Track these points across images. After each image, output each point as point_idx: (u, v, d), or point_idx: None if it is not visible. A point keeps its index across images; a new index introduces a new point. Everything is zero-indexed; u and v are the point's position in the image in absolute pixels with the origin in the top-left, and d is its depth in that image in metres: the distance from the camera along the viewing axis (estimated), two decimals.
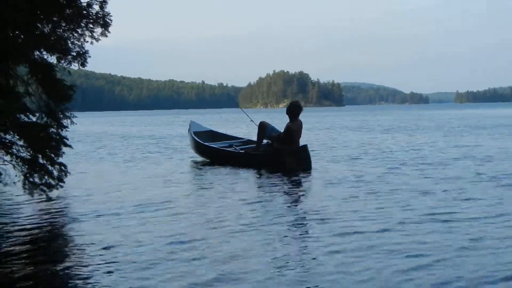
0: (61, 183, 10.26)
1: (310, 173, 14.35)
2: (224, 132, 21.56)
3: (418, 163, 15.91)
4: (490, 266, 6.11)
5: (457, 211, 9.01)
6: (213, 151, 17.71)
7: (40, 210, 9.68)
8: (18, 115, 9.85)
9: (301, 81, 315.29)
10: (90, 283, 5.69)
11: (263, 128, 16.34)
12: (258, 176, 14.32)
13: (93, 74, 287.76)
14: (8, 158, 10.18)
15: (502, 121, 47.89)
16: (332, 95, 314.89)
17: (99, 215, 9.06)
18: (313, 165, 15.32)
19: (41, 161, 10.02)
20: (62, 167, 10.26)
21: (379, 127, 41.06)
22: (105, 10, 11.48)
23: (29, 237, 7.72)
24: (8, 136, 10.12)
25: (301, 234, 7.79)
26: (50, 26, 11.19)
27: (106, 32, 11.62)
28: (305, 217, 8.90)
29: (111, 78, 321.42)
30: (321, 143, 25.32)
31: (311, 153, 16.08)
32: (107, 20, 11.48)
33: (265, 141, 16.54)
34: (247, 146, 17.91)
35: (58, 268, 6.26)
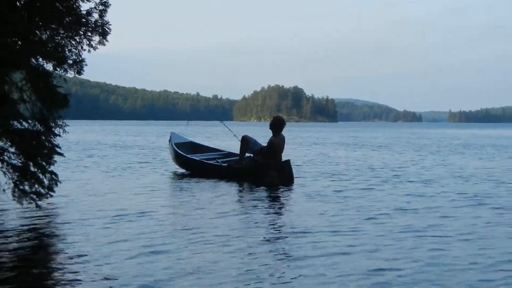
0: (51, 192, 10.13)
1: (291, 187, 14.47)
2: (204, 144, 21.71)
3: (400, 181, 16.27)
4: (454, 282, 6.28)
5: (428, 228, 9.27)
6: (195, 163, 17.70)
7: (26, 217, 9.54)
8: (11, 122, 9.74)
9: (295, 96, 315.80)
10: None
11: (246, 142, 16.43)
12: (240, 189, 14.37)
13: (88, 82, 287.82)
14: None
15: (491, 141, 48.88)
16: (326, 111, 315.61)
17: (80, 225, 9.05)
18: (295, 180, 15.46)
19: (32, 169, 9.90)
20: (53, 176, 10.15)
21: (369, 144, 41.43)
22: (104, 18, 11.41)
23: (12, 245, 7.60)
24: (0, 143, 10.01)
25: (272, 249, 7.76)
26: (48, 33, 11.12)
27: (104, 40, 11.55)
28: (280, 231, 9.04)
29: (106, 87, 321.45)
30: (308, 159, 25.56)
31: (295, 168, 16.47)
32: (106, 28, 11.40)
33: (247, 155, 16.59)
34: (228, 159, 17.95)
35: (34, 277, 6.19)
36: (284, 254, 7.45)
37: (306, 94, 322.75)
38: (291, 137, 56.25)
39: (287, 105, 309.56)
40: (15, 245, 7.64)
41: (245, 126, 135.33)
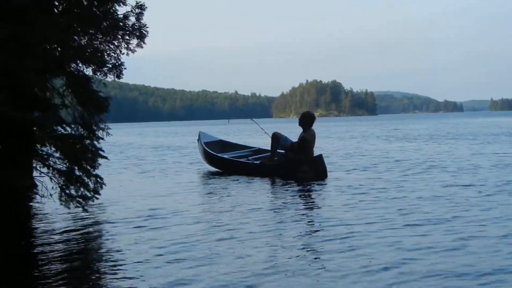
0: (96, 195, 10.23)
1: (325, 181, 14.40)
2: (233, 142, 21.72)
3: (438, 171, 16.05)
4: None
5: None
6: (227, 162, 17.71)
7: (74, 220, 9.64)
8: (54, 127, 9.89)
9: (334, 90, 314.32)
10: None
11: (277, 139, 16.42)
12: (273, 185, 14.36)
13: (127, 85, 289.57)
14: (45, 170, 10.24)
15: None
16: (365, 104, 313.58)
17: (124, 227, 8.98)
18: (329, 174, 15.40)
19: (77, 173, 10.03)
20: (98, 179, 10.25)
21: (407, 136, 40.67)
22: (141, 21, 11.50)
23: (62, 247, 7.70)
24: (44, 148, 10.16)
25: (304, 244, 7.73)
26: (86, 39, 11.24)
27: (142, 43, 11.64)
28: (311, 225, 9.04)
29: (145, 89, 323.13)
30: (345, 152, 25.32)
31: (330, 162, 16.51)
32: (143, 31, 11.50)
33: (278, 151, 16.62)
34: (259, 156, 17.99)
35: (90, 278, 6.28)
36: (312, 247, 7.46)
37: (345, 88, 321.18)
38: (330, 131, 56.04)
39: (326, 100, 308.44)
40: (63, 247, 7.73)
41: (285, 123, 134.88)
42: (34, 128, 9.74)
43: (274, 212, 10.31)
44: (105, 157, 10.51)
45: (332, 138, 40.94)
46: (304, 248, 7.44)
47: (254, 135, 48.30)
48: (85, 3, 11.01)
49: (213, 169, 18.34)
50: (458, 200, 10.78)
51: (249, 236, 8.12)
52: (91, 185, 10.14)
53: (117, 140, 42.51)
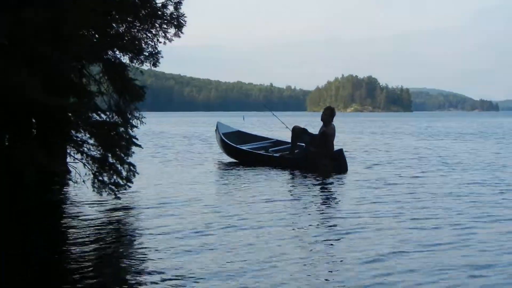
0: (129, 183, 10.25)
1: (345, 175, 14.72)
2: (251, 133, 21.92)
3: (463, 168, 16.29)
4: None
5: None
6: (247, 154, 17.92)
7: (106, 207, 9.67)
8: (89, 114, 9.90)
9: (369, 86, 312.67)
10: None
11: (297, 133, 16.75)
12: (293, 178, 14.58)
13: (162, 74, 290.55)
14: (78, 156, 10.25)
15: None
16: (401, 101, 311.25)
17: (154, 215, 9.05)
18: (349, 168, 15.59)
19: (110, 160, 10.04)
20: (131, 167, 10.25)
21: (440, 134, 40.46)
22: (179, 11, 11.49)
23: (95, 233, 7.72)
24: (79, 135, 10.18)
25: (319, 235, 7.86)
26: (124, 26, 11.26)
27: (180, 32, 11.63)
28: (327, 218, 9.18)
29: (180, 79, 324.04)
30: (371, 148, 25.45)
31: (353, 157, 17.28)
32: (181, 21, 11.49)
33: (299, 144, 16.93)
34: (278, 148, 18.30)
35: (123, 262, 6.29)
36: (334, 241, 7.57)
37: (380, 84, 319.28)
38: (363, 126, 55.81)
39: (361, 95, 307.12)
40: (95, 234, 7.75)
41: (318, 116, 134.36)
42: (69, 114, 9.75)
43: (292, 203, 10.66)
44: (139, 145, 10.50)
45: (363, 134, 40.69)
46: (316, 240, 7.59)
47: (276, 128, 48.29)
48: None
49: (229, 159, 18.54)
50: (471, 198, 10.96)
51: (267, 226, 8.34)
52: (124, 173, 10.15)
53: (151, 128, 42.80)
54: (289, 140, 17.67)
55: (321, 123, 16.56)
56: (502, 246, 7.26)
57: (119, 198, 10.06)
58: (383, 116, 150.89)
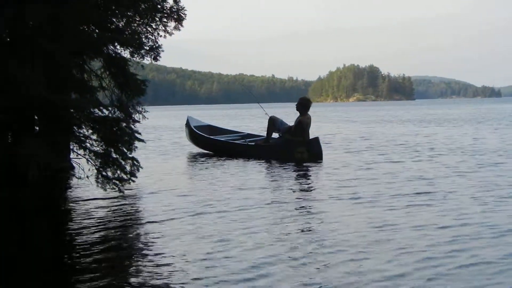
0: (133, 178, 10.26)
1: (320, 163, 15.25)
2: (222, 127, 22.34)
3: (455, 153, 16.90)
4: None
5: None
6: (222, 144, 18.35)
7: (112, 203, 9.66)
8: (91, 110, 9.89)
9: (371, 75, 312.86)
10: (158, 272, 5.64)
11: (273, 122, 17.36)
12: (270, 166, 14.94)
13: (164, 68, 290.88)
14: (81, 152, 10.26)
15: None
16: (403, 89, 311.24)
17: (160, 210, 8.95)
18: (324, 155, 16.16)
19: (114, 155, 10.05)
20: (135, 162, 10.27)
21: (438, 120, 40.84)
22: (179, 4, 11.47)
23: (101, 230, 7.71)
24: (81, 130, 10.18)
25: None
26: (124, 21, 11.24)
27: (180, 26, 11.62)
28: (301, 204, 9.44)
29: (182, 72, 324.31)
30: (357, 136, 25.98)
31: (329, 145, 18.92)
32: (181, 14, 11.48)
33: (274, 135, 17.44)
34: (251, 139, 18.68)
35: (129, 261, 6.25)
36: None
37: (382, 73, 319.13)
38: (358, 115, 55.69)
39: (363, 85, 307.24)
40: (99, 230, 7.74)
41: (323, 106, 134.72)
42: (72, 110, 9.74)
43: (272, 191, 10.86)
44: (142, 140, 10.51)
45: (353, 122, 40.90)
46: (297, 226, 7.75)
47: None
48: None
49: (201, 151, 19.00)
50: (439, 181, 11.43)
51: (248, 216, 8.44)
52: (128, 168, 10.17)
53: (152, 123, 42.74)
54: (260, 134, 19.26)
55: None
56: (482, 224, 7.57)
57: (122, 192, 10.06)
58: (385, 104, 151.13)
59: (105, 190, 10.07)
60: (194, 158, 17.51)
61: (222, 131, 20.74)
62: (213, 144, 18.54)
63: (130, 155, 10.19)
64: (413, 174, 12.35)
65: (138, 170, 10.30)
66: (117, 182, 10.08)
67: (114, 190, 10.07)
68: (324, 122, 42.44)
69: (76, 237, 7.38)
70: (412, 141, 22.03)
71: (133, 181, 10.26)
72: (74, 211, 9.09)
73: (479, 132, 26.31)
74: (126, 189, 10.27)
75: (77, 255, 6.55)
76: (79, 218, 8.53)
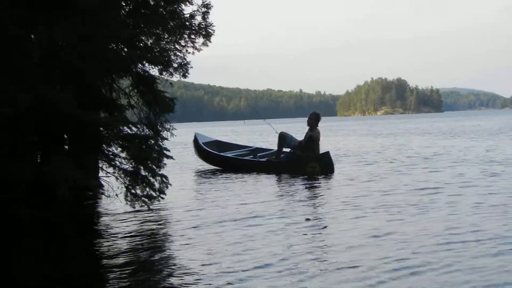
0: (162, 195, 10.23)
1: (332, 176, 15.55)
2: (230, 142, 22.75)
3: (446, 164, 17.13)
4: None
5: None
6: (233, 161, 18.36)
7: (141, 220, 9.66)
8: (120, 127, 9.91)
9: (399, 88, 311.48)
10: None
11: (283, 138, 17.60)
12: (281, 180, 15.21)
13: (192, 85, 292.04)
14: (111, 170, 10.27)
15: None
16: (431, 101, 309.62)
17: (188, 226, 8.98)
18: (336, 169, 16.48)
19: (142, 173, 10.03)
20: (164, 179, 10.23)
21: (450, 132, 40.91)
22: (207, 20, 11.49)
23: (132, 246, 7.71)
24: (111, 148, 10.20)
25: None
26: (153, 39, 11.26)
27: (208, 42, 11.63)
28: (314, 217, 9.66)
29: (210, 89, 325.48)
30: (371, 149, 25.98)
31: (339, 158, 19.42)
32: (209, 30, 11.49)
33: (285, 150, 17.77)
34: (263, 154, 18.93)
35: (159, 275, 6.30)
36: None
37: (410, 86, 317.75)
38: (389, 128, 55.36)
39: (391, 98, 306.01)
40: (129, 246, 7.74)
41: (350, 120, 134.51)
42: (101, 129, 9.77)
43: (287, 203, 11.15)
44: (171, 157, 10.49)
45: (375, 136, 40.66)
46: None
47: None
48: (152, 3, 11.05)
49: (210, 167, 18.95)
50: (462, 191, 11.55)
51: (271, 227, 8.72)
52: (157, 185, 10.13)
53: (180, 139, 42.72)
54: (268, 148, 19.93)
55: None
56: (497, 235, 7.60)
57: (152, 210, 10.05)
58: (413, 117, 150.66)
59: (134, 207, 10.06)
60: (204, 174, 17.57)
61: (230, 146, 20.92)
62: (224, 161, 18.58)
63: (159, 172, 10.17)
64: (425, 186, 12.53)
65: (167, 187, 10.25)
66: (146, 199, 10.05)
67: (143, 207, 10.06)
68: (343, 136, 42.90)
69: (107, 249, 7.40)
70: (431, 153, 22.12)
71: (162, 198, 10.20)
72: (103, 228, 9.12)
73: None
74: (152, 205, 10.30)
75: (105, 270, 6.58)
76: (109, 231, 8.57)
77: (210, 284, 5.90)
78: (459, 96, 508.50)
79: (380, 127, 63.68)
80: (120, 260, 7.08)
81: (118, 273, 6.44)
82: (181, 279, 6.15)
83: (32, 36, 8.58)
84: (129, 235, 8.51)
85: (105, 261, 7.11)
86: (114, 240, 8.19)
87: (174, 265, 6.82)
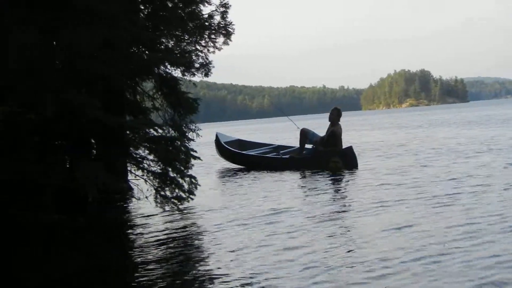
0: (191, 196, 10.26)
1: (355, 171, 15.44)
2: (251, 140, 22.64)
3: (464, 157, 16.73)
4: None
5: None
6: (256, 159, 18.44)
7: (171, 221, 9.70)
8: (146, 130, 9.96)
9: (423, 79, 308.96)
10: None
11: (305, 134, 17.69)
12: (305, 176, 15.30)
13: (214, 85, 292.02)
14: (139, 173, 10.33)
15: None
16: (456, 92, 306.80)
17: (218, 227, 8.96)
18: (360, 164, 16.31)
19: (171, 174, 10.08)
20: (192, 180, 10.27)
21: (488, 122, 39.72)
22: (226, 19, 11.53)
23: (163, 247, 7.77)
24: (138, 151, 10.26)
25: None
26: (173, 40, 11.33)
27: (228, 40, 11.68)
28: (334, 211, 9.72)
29: (233, 88, 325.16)
30: (396, 142, 25.69)
31: (363, 153, 19.50)
32: (229, 29, 11.54)
33: (307, 146, 17.70)
34: (286, 151, 18.88)
35: (192, 274, 6.37)
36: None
37: (434, 77, 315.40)
38: (414, 120, 55.00)
39: (415, 90, 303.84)
40: (160, 247, 7.79)
41: (375, 114, 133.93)
42: (127, 132, 9.84)
43: (312, 200, 11.07)
44: (198, 158, 10.54)
45: (401, 128, 40.47)
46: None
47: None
48: (170, 5, 11.10)
49: (233, 166, 19.00)
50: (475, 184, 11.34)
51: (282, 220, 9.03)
52: (186, 186, 10.17)
53: (206, 139, 42.61)
54: (290, 145, 20.03)
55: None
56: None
57: (181, 211, 10.09)
58: (438, 108, 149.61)
59: (164, 209, 10.12)
60: (228, 173, 17.62)
61: (252, 145, 20.91)
62: (247, 159, 18.66)
63: (187, 173, 10.21)
64: (448, 177, 12.52)
65: (196, 188, 10.30)
66: (176, 201, 10.10)
67: (172, 209, 10.12)
68: (367, 130, 42.77)
69: (138, 252, 7.46)
70: (455, 143, 22.06)
71: (192, 199, 10.24)
72: (134, 228, 9.22)
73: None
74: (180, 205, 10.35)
75: (142, 269, 6.64)
76: (139, 234, 8.65)
77: (237, 282, 5.96)
78: (484, 85, 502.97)
79: (405, 119, 63.27)
80: (151, 257, 7.15)
81: (149, 274, 6.50)
82: (208, 278, 6.25)
83: (54, 43, 8.67)
84: (159, 236, 8.56)
85: (135, 263, 7.17)
86: (144, 241, 8.25)
87: (203, 263, 6.92)
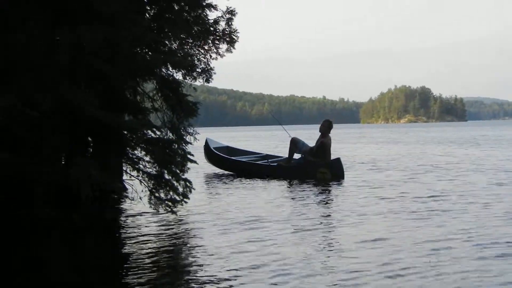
0: (185, 199, 10.24)
1: (342, 182, 15.55)
2: (240, 148, 22.73)
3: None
4: None
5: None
6: (244, 165, 18.55)
7: (163, 223, 9.68)
8: (144, 131, 9.95)
9: (423, 96, 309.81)
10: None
11: (295, 143, 17.69)
12: (292, 185, 15.26)
13: (215, 89, 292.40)
14: (135, 173, 10.31)
15: None
16: (455, 110, 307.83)
17: (209, 232, 8.99)
18: (346, 175, 16.62)
19: (166, 176, 10.06)
20: (187, 183, 10.25)
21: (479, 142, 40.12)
22: (231, 26, 11.53)
23: (153, 249, 7.75)
24: (135, 152, 10.24)
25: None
26: (177, 43, 11.32)
27: (232, 48, 11.68)
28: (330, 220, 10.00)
29: (233, 94, 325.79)
30: (385, 156, 26.02)
31: (350, 165, 19.84)
32: (233, 36, 11.54)
33: (296, 155, 17.78)
34: (274, 160, 18.99)
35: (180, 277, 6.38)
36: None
37: (434, 94, 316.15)
38: (410, 136, 55.03)
39: (414, 106, 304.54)
40: (151, 249, 7.77)
41: (372, 128, 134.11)
42: (125, 132, 9.83)
43: (299, 208, 11.13)
44: (194, 161, 10.52)
45: (395, 143, 40.45)
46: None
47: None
48: (177, 8, 11.10)
49: (221, 171, 19.14)
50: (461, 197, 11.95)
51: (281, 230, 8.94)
52: (180, 189, 10.16)
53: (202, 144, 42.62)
54: (278, 155, 20.42)
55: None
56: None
57: (175, 213, 10.07)
58: (436, 126, 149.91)
59: (158, 211, 10.09)
60: (217, 178, 17.61)
61: (241, 152, 21.07)
62: (236, 165, 18.75)
63: (182, 176, 10.20)
64: (431, 194, 12.62)
65: (190, 191, 10.29)
66: (170, 203, 10.07)
67: (166, 211, 10.09)
68: (362, 143, 42.85)
69: (129, 252, 7.44)
70: (445, 161, 22.13)
71: (186, 202, 10.22)
72: (126, 228, 9.20)
73: None
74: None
75: (132, 268, 6.64)
76: (131, 234, 8.63)
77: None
78: (483, 105, 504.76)
79: (401, 135, 63.41)
80: (141, 260, 7.12)
81: (139, 273, 6.48)
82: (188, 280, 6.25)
83: (58, 38, 8.65)
84: (150, 237, 8.54)
85: (126, 262, 7.14)
86: (135, 241, 8.23)
87: (188, 266, 6.95)
